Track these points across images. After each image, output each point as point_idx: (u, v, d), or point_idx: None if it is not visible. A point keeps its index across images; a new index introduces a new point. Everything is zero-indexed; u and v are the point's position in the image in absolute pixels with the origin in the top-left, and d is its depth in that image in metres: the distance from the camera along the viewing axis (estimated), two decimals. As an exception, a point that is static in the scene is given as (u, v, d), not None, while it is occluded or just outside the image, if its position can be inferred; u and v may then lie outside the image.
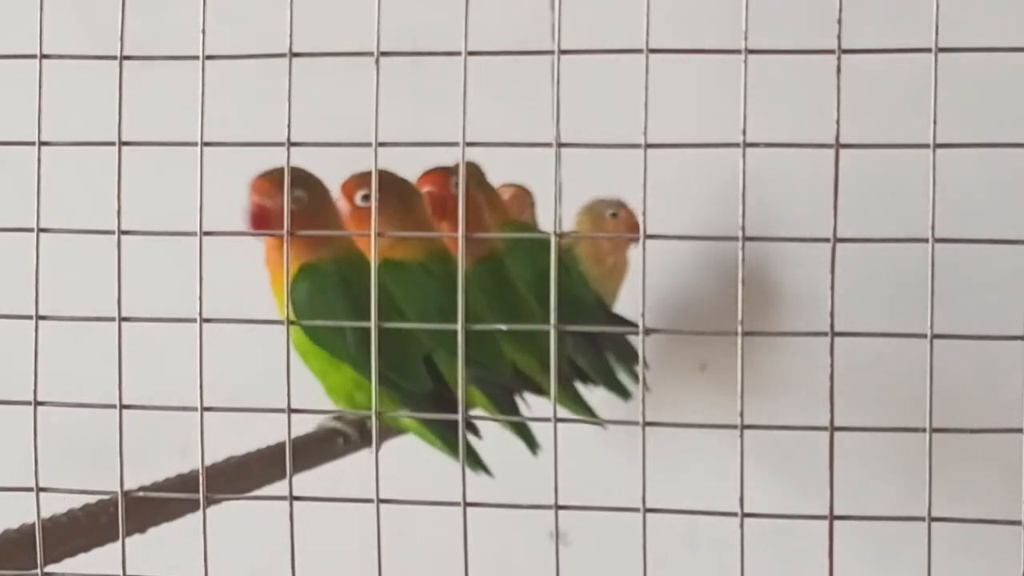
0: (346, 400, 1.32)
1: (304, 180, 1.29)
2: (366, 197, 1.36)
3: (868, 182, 1.68)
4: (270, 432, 1.30)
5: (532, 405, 1.52)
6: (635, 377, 1.69)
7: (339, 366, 1.30)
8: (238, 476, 1.17)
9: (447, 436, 1.34)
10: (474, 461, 1.36)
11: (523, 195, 1.68)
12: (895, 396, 1.71)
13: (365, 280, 1.31)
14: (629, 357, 1.70)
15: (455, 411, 1.32)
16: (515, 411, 1.44)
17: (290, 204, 0.72)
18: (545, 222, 1.73)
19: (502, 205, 1.58)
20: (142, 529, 1.01)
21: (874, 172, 1.66)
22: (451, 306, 1.40)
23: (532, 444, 1.46)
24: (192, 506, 0.96)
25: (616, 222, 1.73)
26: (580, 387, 1.59)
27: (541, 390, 1.51)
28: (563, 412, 1.51)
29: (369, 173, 1.37)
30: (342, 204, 1.36)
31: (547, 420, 0.69)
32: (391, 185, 1.37)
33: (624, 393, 1.66)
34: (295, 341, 1.29)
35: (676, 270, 1.84)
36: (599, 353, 1.65)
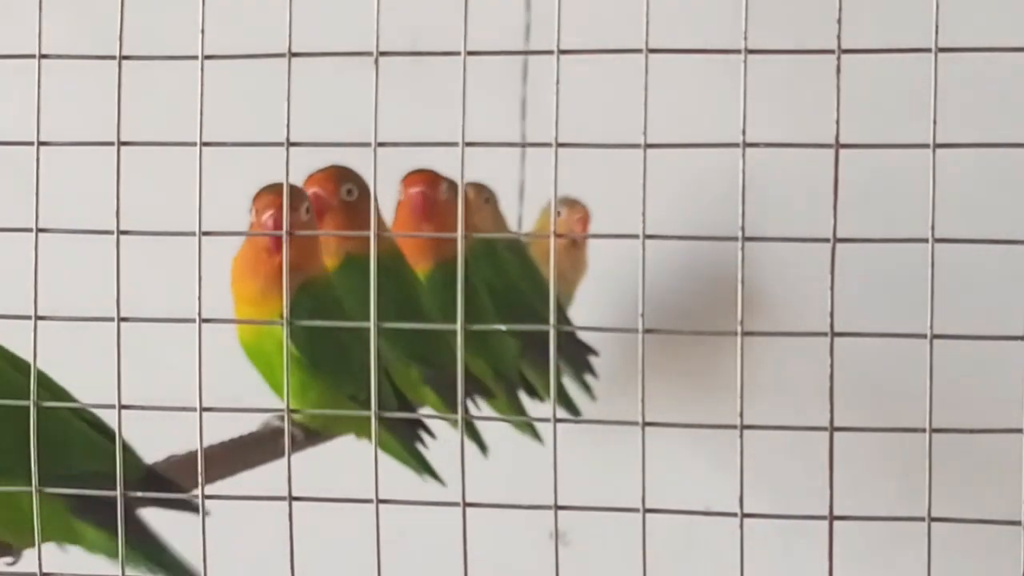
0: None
1: (355, 177, 1.34)
2: (350, 191, 1.36)
3: (868, 182, 1.68)
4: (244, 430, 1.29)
5: (480, 408, 1.52)
6: (585, 387, 1.69)
7: (331, 384, 1.28)
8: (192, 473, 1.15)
9: (409, 445, 1.33)
10: (425, 468, 1.35)
11: (478, 191, 1.65)
12: (895, 396, 1.71)
13: (332, 288, 1.30)
14: (580, 366, 1.69)
15: (412, 419, 1.32)
16: (465, 410, 1.43)
17: (288, 206, 0.72)
18: (512, 219, 1.73)
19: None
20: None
21: (874, 172, 1.66)
22: (408, 305, 1.41)
23: (482, 446, 1.46)
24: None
25: (559, 221, 1.71)
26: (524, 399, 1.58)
27: (491, 394, 1.51)
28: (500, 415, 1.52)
29: (343, 168, 1.38)
30: (319, 199, 1.35)
31: (547, 420, 0.69)
32: (361, 181, 1.36)
33: (574, 410, 1.65)
34: (269, 358, 1.26)
35: (675, 270, 1.83)
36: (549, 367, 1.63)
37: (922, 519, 0.66)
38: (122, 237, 0.70)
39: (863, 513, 0.68)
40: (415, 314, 1.39)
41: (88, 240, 0.73)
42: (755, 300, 1.79)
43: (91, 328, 0.74)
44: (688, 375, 1.82)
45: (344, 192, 1.36)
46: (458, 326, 0.69)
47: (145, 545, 1.06)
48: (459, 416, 0.71)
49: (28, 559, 0.87)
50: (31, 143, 0.70)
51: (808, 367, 1.72)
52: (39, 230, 0.71)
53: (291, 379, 1.28)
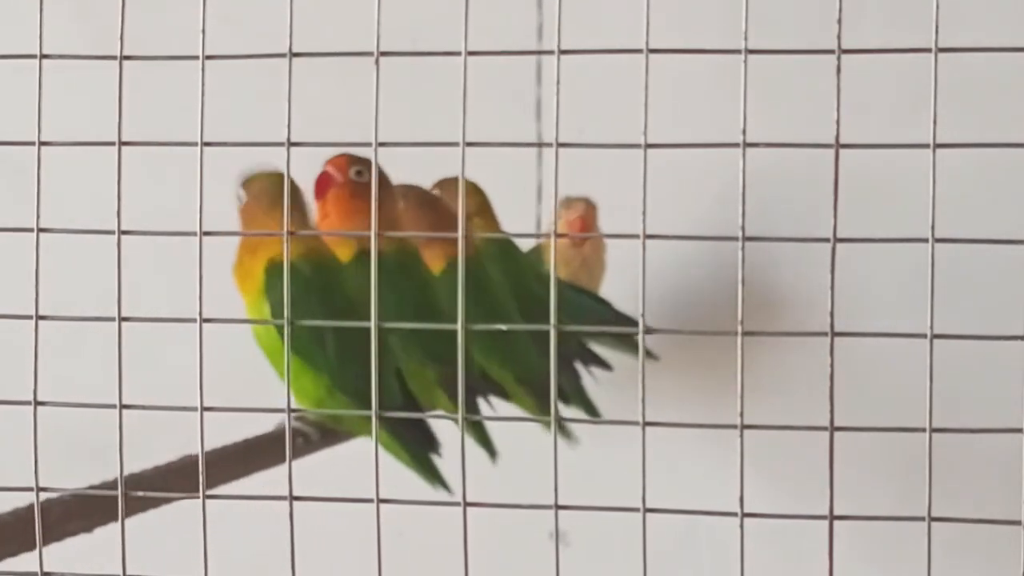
0: (314, 404, 1.29)
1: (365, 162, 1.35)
2: (360, 172, 1.36)
3: (868, 182, 1.68)
4: (260, 430, 1.29)
5: (497, 407, 1.51)
6: (635, 351, 1.69)
7: (313, 371, 1.28)
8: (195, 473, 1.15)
9: (413, 449, 1.32)
10: (435, 477, 1.34)
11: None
12: (895, 396, 1.71)
13: (336, 279, 1.29)
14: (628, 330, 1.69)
15: (421, 423, 1.32)
16: (477, 413, 1.42)
17: (288, 205, 0.72)
18: (531, 219, 1.73)
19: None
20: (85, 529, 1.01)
21: (874, 172, 1.66)
22: (425, 304, 1.40)
23: (491, 451, 1.44)
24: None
25: (560, 223, 1.73)
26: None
27: (507, 395, 1.49)
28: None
29: (352, 156, 1.38)
30: (333, 177, 1.35)
31: (547, 420, 0.69)
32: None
33: (593, 411, 1.64)
34: (265, 341, 1.27)
35: (675, 270, 1.83)
36: (571, 370, 1.62)
37: (922, 519, 0.66)
38: (123, 237, 0.70)
39: (863, 513, 0.68)
40: (432, 313, 1.38)
41: (89, 240, 0.73)
42: (755, 300, 1.79)
43: (91, 328, 0.74)
44: (688, 375, 1.82)
45: (354, 173, 1.36)
46: (459, 326, 0.69)
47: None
48: (460, 416, 0.71)
49: (28, 560, 0.87)
50: (32, 143, 0.70)
51: (808, 367, 1.72)
52: (40, 230, 0.71)
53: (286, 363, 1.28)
